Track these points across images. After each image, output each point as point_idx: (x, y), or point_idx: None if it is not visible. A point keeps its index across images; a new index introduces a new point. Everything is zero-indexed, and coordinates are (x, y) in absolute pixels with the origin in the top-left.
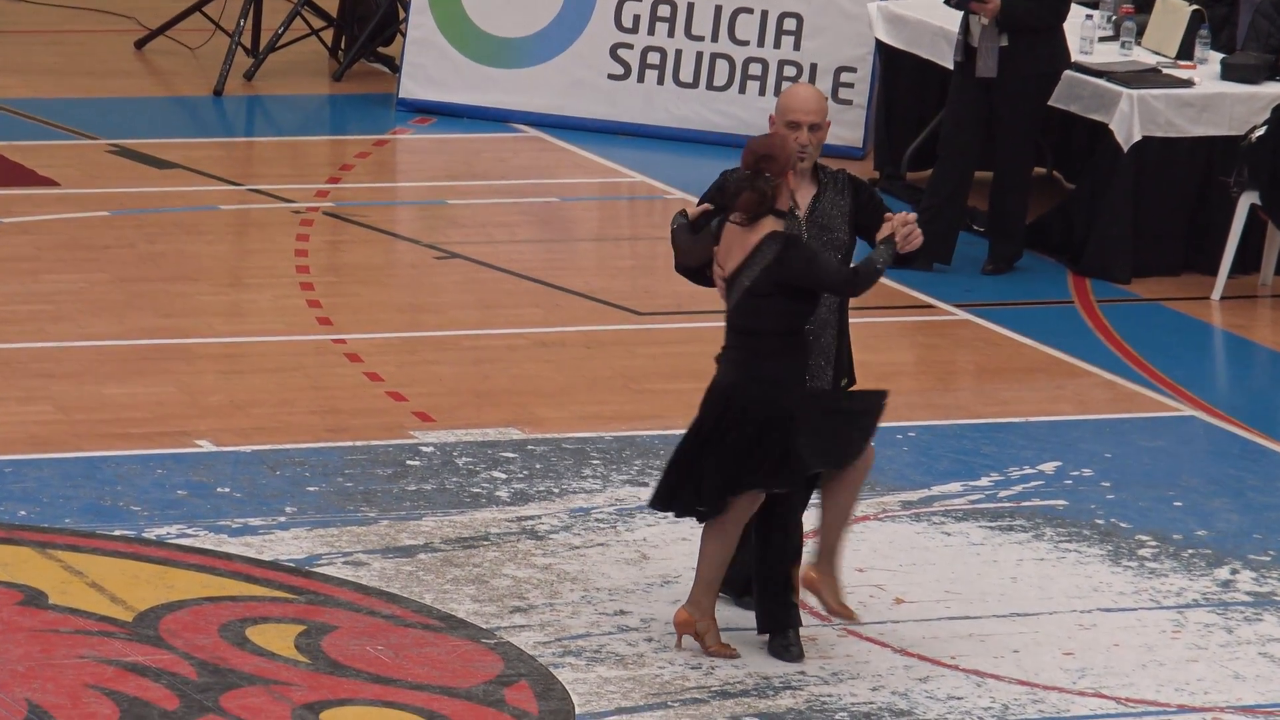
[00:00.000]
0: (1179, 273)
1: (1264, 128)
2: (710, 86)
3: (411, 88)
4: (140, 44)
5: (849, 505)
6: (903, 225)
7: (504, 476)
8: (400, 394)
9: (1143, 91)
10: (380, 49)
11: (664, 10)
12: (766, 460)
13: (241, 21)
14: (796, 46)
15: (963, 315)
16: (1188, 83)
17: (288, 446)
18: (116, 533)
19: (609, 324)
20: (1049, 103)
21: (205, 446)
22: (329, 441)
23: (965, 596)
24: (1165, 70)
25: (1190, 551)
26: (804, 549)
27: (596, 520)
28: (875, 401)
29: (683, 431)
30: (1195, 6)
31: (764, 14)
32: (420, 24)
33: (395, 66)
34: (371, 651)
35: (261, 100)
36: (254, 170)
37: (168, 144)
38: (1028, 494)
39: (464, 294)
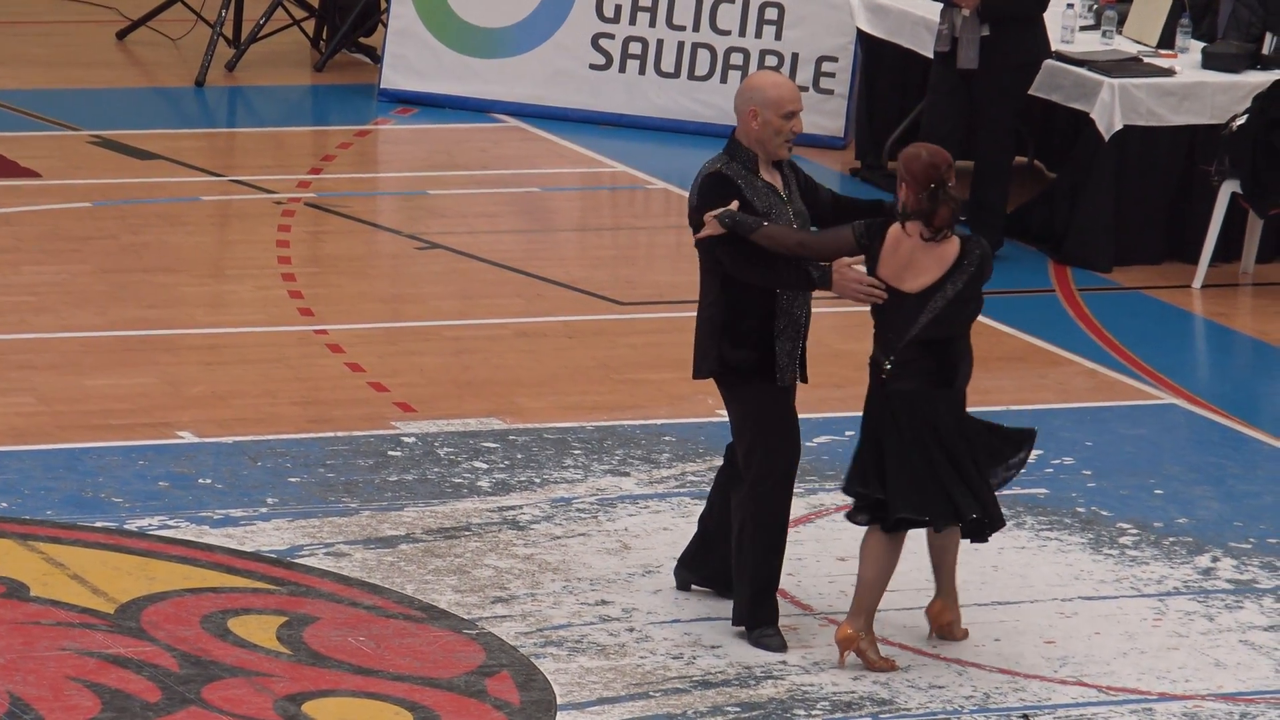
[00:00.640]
0: (1160, 261)
1: (1245, 116)
2: (692, 76)
3: (393, 78)
4: (122, 35)
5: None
6: None
7: (485, 467)
8: (382, 384)
9: (1124, 80)
10: (362, 39)
11: (645, 0)
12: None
13: (223, 12)
14: (778, 36)
15: None
16: (1169, 72)
17: (269, 437)
18: (98, 524)
19: (590, 314)
20: (1030, 92)
21: (187, 438)
22: (310, 432)
23: None
24: (1146, 59)
25: (1171, 539)
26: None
27: (578, 510)
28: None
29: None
30: None
31: (745, 4)
32: (401, 14)
33: (377, 57)
34: (353, 642)
35: (243, 91)
36: (236, 161)
37: (149, 135)
38: (1009, 482)
39: (445, 284)
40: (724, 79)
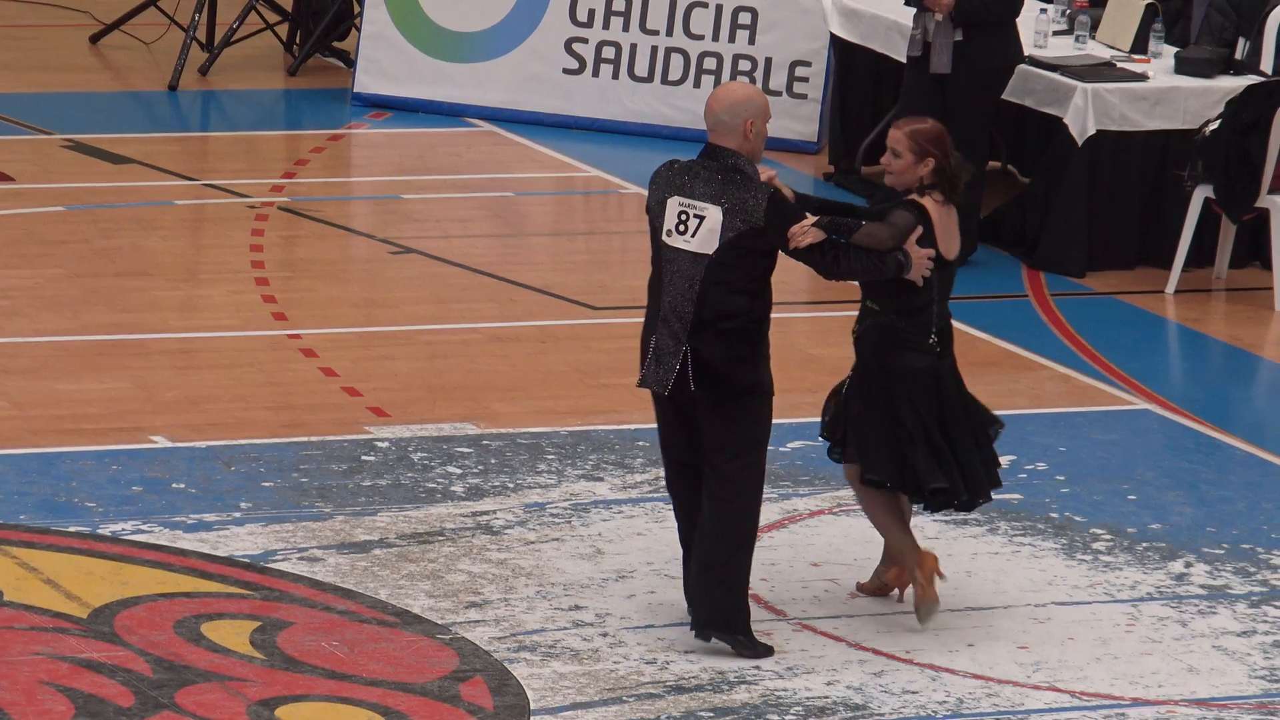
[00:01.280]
0: (1133, 266)
1: (1218, 121)
2: (665, 81)
3: (366, 82)
4: (95, 38)
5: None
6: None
7: (459, 472)
8: (355, 389)
9: (1097, 85)
10: (335, 44)
11: (619, 5)
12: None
13: (196, 16)
14: (751, 41)
15: None
16: (1142, 76)
17: (243, 442)
18: (71, 529)
19: (564, 319)
20: (1003, 97)
21: (160, 442)
22: (284, 437)
23: None
24: (1119, 64)
25: (1144, 545)
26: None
27: (551, 515)
28: None
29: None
30: (1149, 1)
31: (718, 8)
32: (375, 18)
33: (350, 61)
34: (326, 647)
35: (216, 95)
36: (209, 165)
37: (122, 139)
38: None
39: (419, 289)
40: (697, 84)
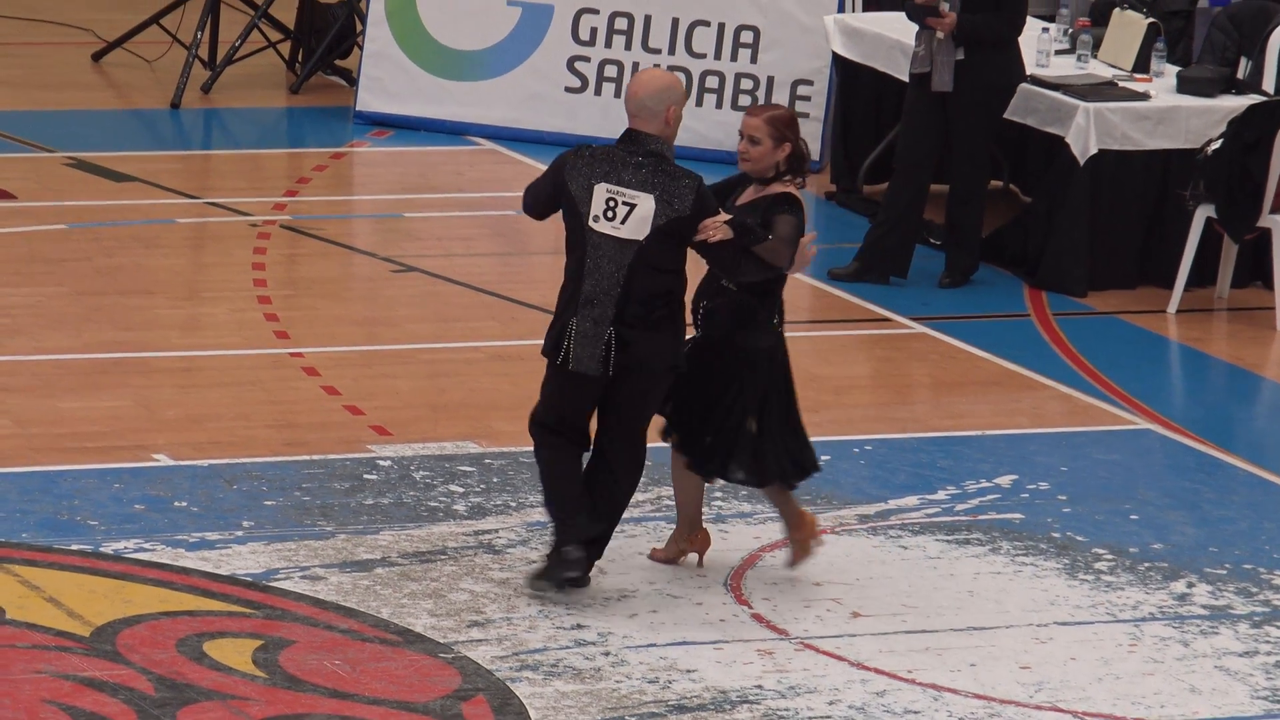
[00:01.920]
0: (1135, 286)
1: (1220, 141)
2: None
3: (369, 100)
4: (97, 56)
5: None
6: None
7: (461, 490)
8: (357, 408)
9: (1099, 104)
10: (337, 62)
11: (621, 23)
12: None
13: (199, 34)
14: (753, 59)
15: (919, 328)
16: (1144, 96)
17: (245, 460)
18: (74, 547)
19: None
20: (1005, 116)
21: (162, 461)
22: (286, 455)
23: (922, 610)
24: (1121, 83)
25: (1146, 565)
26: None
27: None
28: None
29: None
30: (1151, 19)
31: (721, 27)
32: (377, 37)
33: (352, 79)
34: (329, 666)
35: (219, 113)
36: (211, 183)
37: (124, 157)
38: (984, 507)
39: (421, 307)
40: (699, 102)
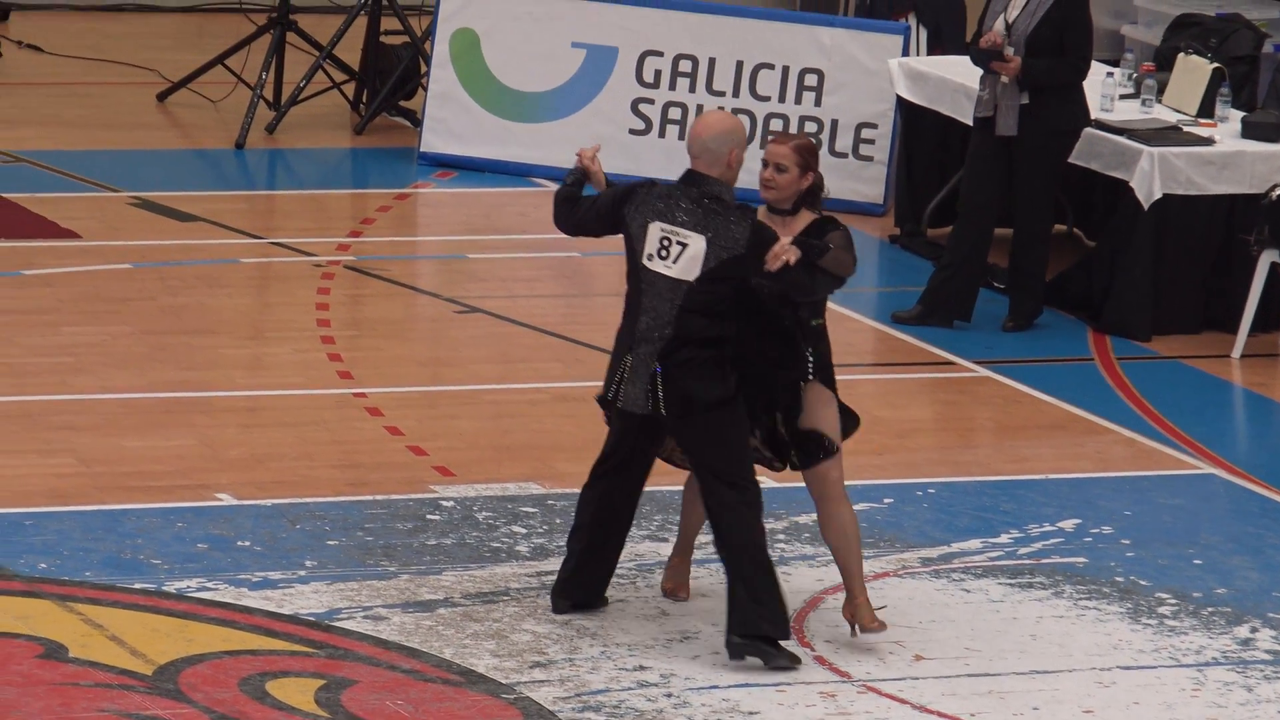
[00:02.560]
0: (1199, 330)
1: None
2: None
3: (433, 141)
4: (162, 96)
5: None
6: None
7: (524, 531)
8: (420, 448)
9: (1163, 149)
10: (402, 103)
11: (685, 66)
12: None
13: (263, 75)
14: (818, 102)
15: (983, 372)
16: (1208, 140)
17: (308, 500)
18: (137, 586)
19: None
20: (1069, 160)
21: (225, 500)
22: (349, 495)
23: (985, 654)
24: (1186, 128)
25: (1210, 609)
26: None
27: (616, 575)
28: None
29: None
30: (1216, 64)
31: (785, 69)
32: (441, 78)
33: (417, 120)
34: (391, 706)
35: (283, 153)
36: (275, 223)
37: (189, 196)
38: (1047, 551)
39: (484, 348)
40: (763, 145)
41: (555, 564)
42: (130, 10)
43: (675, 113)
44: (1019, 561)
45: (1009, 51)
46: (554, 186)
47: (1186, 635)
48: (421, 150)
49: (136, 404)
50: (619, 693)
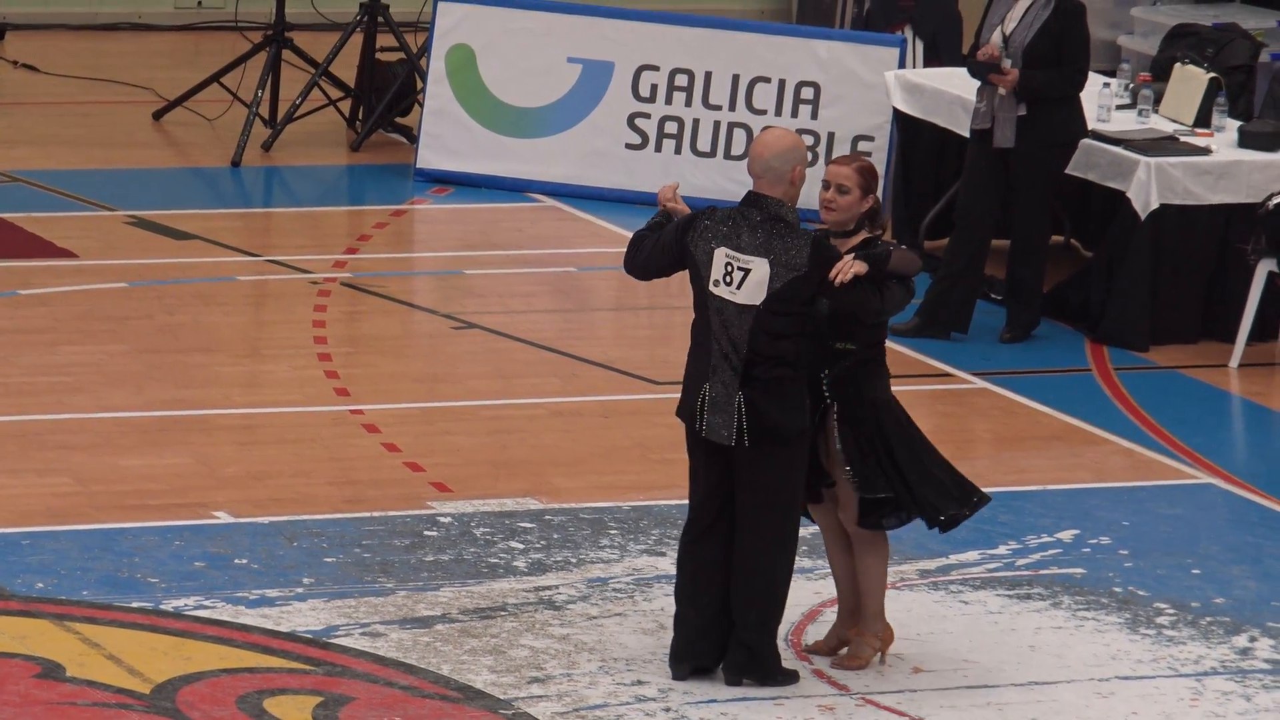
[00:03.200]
0: (1197, 340)
1: None
2: (728, 156)
3: (429, 158)
4: (158, 115)
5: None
6: None
7: (521, 547)
8: (418, 464)
9: (1160, 159)
10: (398, 119)
11: (681, 80)
12: None
13: (259, 92)
14: (814, 115)
15: (980, 383)
16: (1205, 150)
17: (305, 518)
18: (134, 604)
19: (626, 394)
20: (1066, 171)
21: (222, 518)
22: (346, 512)
23: (983, 665)
24: (1183, 138)
25: (1208, 619)
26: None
27: (614, 590)
28: None
29: None
30: (1213, 74)
31: (781, 83)
32: (437, 94)
33: (413, 137)
34: None
35: (279, 171)
36: (272, 241)
37: (185, 215)
38: (1045, 562)
39: (481, 364)
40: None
41: (553, 579)
42: (126, 29)
43: (672, 127)
44: (1017, 573)
45: (1006, 64)
46: (550, 201)
47: (1185, 645)
48: (418, 166)
49: (133, 423)
50: (617, 708)
